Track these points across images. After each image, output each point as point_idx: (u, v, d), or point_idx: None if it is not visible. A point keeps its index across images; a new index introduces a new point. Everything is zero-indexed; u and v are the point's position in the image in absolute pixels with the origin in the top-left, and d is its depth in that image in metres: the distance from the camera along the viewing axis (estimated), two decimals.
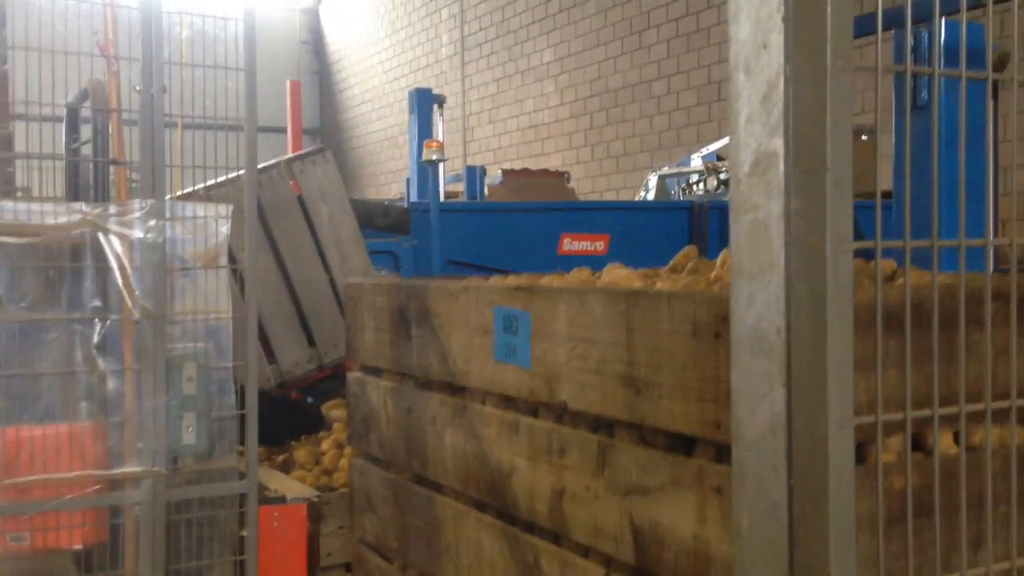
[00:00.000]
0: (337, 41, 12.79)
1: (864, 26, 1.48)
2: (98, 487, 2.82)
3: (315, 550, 3.14)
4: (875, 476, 1.19)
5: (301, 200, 4.46)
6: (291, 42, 12.29)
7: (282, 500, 3.08)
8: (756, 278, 1.10)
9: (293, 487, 3.20)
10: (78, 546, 2.83)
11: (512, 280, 2.27)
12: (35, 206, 2.84)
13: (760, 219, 1.09)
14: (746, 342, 1.14)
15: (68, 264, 2.86)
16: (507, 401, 2.06)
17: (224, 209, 3.02)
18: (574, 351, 1.75)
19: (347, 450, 3.62)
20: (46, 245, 2.86)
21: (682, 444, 1.56)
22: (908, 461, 1.16)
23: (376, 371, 2.76)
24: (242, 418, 2.97)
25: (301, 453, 3.76)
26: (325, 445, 3.85)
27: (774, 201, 1.06)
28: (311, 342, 4.46)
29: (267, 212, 4.22)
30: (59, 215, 2.83)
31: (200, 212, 2.99)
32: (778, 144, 1.04)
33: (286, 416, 4.02)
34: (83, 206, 2.87)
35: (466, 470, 2.20)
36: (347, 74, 12.53)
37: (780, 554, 1.13)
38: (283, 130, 8.67)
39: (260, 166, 3.66)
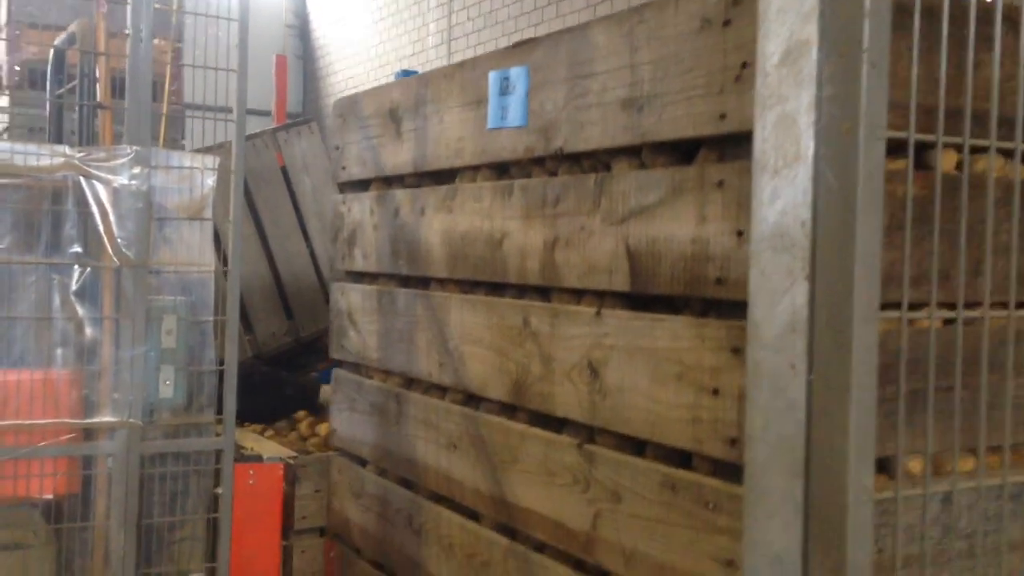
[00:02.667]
0: (323, 26, 12.71)
1: None
2: (72, 436, 2.75)
3: (290, 512, 3.09)
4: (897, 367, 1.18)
5: (284, 171, 4.42)
6: (276, 25, 12.19)
7: (258, 459, 3.03)
8: (781, 172, 1.10)
9: (269, 447, 3.15)
10: (49, 495, 2.75)
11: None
12: (18, 146, 2.78)
13: (788, 112, 1.08)
14: (767, 240, 1.13)
15: (49, 207, 2.79)
16: (500, 170, 2.11)
17: (211, 160, 2.97)
18: (573, 91, 1.80)
19: (322, 427, 3.57)
20: (27, 187, 2.79)
21: (684, 154, 1.60)
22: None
23: (363, 184, 2.80)
24: (220, 374, 2.92)
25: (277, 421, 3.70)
26: (300, 414, 3.80)
27: (804, 91, 1.06)
28: (289, 314, 4.41)
29: (249, 181, 4.16)
30: (42, 157, 2.77)
31: (186, 162, 2.94)
32: (811, 31, 1.04)
33: (278, 393, 3.95)
34: (67, 149, 2.81)
35: (452, 254, 2.25)
36: (332, 59, 12.45)
37: (795, 453, 1.12)
38: (267, 113, 8.58)
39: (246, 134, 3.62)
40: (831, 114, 1.04)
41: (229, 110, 2.92)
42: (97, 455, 2.80)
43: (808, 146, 1.05)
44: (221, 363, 2.91)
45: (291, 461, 3.09)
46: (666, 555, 1.56)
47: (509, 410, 2.13)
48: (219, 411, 2.91)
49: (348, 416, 2.97)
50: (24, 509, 2.81)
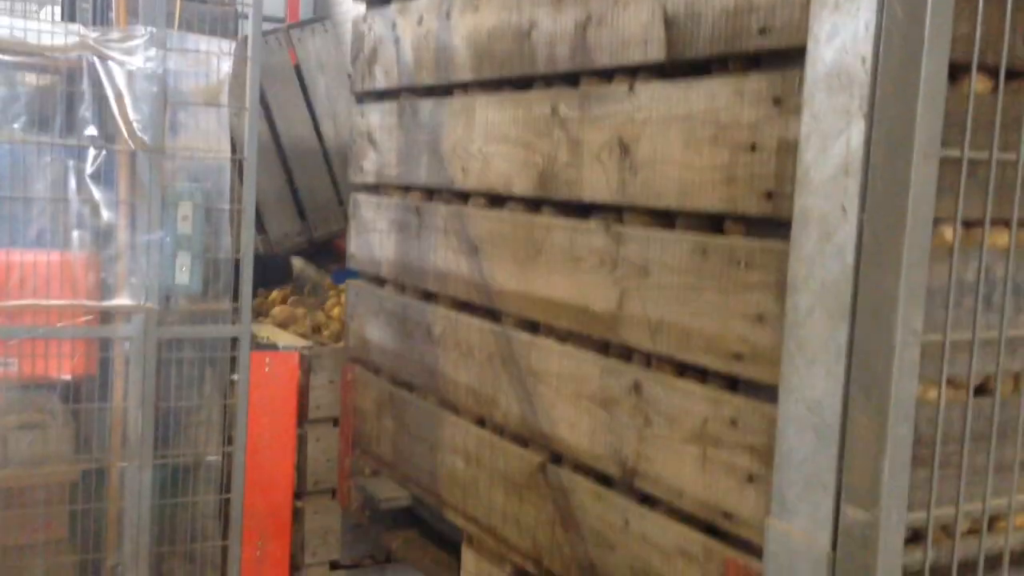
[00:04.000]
0: None
1: None
2: (89, 318, 2.76)
3: (304, 401, 3.11)
4: None
5: (298, 70, 4.34)
6: None
7: (274, 347, 3.04)
8: (841, 7, 1.06)
9: (285, 337, 3.16)
10: (67, 376, 2.77)
11: None
12: (32, 24, 2.72)
13: None
14: (822, 81, 1.10)
15: (64, 88, 2.75)
16: None
17: (227, 45, 2.92)
18: None
19: (335, 311, 3.57)
20: (42, 66, 2.75)
21: None
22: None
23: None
24: (237, 262, 2.91)
25: (294, 311, 3.70)
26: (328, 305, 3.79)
27: None
28: (302, 215, 4.38)
29: (262, 79, 4.10)
30: (56, 35, 2.71)
31: (202, 46, 2.88)
32: None
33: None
34: (81, 28, 2.75)
35: (478, 54, 2.22)
36: None
37: (841, 298, 1.11)
38: (279, 20, 8.43)
39: None
40: None
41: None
42: (114, 338, 2.81)
43: None
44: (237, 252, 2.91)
45: (306, 352, 3.10)
46: (694, 320, 1.55)
47: (534, 206, 2.10)
48: (235, 299, 2.91)
49: (366, 238, 2.96)
50: (43, 391, 2.83)
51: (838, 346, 1.12)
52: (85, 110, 2.77)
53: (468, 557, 2.33)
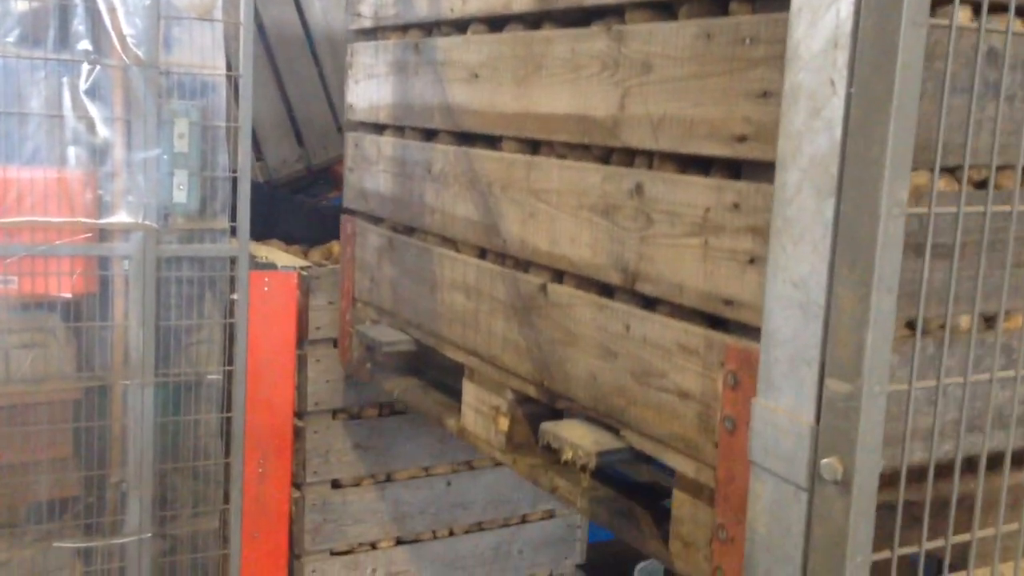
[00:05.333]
0: None
1: None
2: (88, 236, 2.77)
3: (304, 322, 3.13)
4: None
5: None
6: None
7: (273, 267, 3.05)
8: None
9: (283, 257, 3.17)
10: (67, 295, 2.79)
11: None
12: None
13: None
14: None
15: (57, 0, 2.72)
16: None
17: None
18: None
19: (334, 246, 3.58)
20: None
21: None
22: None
23: None
24: (234, 180, 2.90)
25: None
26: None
27: None
28: (300, 141, 4.36)
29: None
30: None
31: None
32: None
33: (320, 222, 3.90)
34: None
35: None
36: None
37: (829, 171, 1.11)
38: None
39: None
40: None
41: None
42: (113, 256, 2.82)
43: None
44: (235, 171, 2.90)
45: (305, 272, 3.11)
46: (697, 110, 1.53)
47: (534, 24, 2.07)
48: (233, 218, 2.90)
49: (365, 85, 2.95)
50: (43, 310, 2.85)
51: (825, 222, 1.12)
52: (78, 24, 2.74)
53: (468, 389, 2.35)
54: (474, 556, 3.51)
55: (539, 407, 2.11)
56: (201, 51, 2.87)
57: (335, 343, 3.20)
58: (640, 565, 3.63)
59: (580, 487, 1.93)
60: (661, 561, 1.71)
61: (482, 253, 2.35)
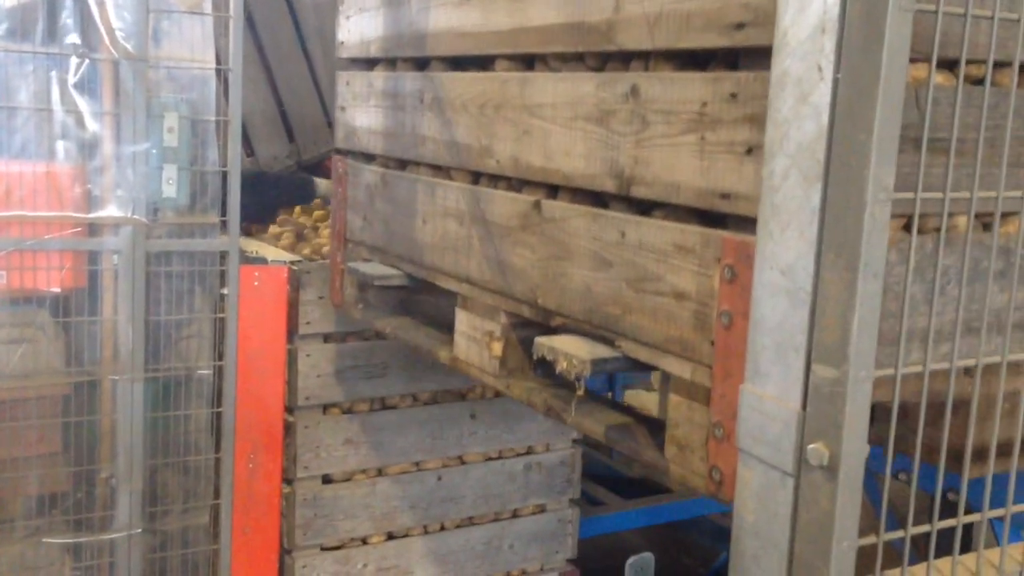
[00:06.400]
0: None
1: None
2: (77, 230, 2.76)
3: (294, 317, 3.13)
4: None
5: None
6: None
7: (263, 261, 3.05)
8: None
9: (273, 251, 3.17)
10: (56, 289, 2.78)
11: None
12: None
13: None
14: None
15: None
16: None
17: None
18: None
19: (326, 233, 3.58)
20: None
21: None
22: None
23: None
24: (224, 175, 2.90)
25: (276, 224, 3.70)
26: (303, 219, 3.79)
27: None
28: (291, 137, 4.36)
29: None
30: None
31: None
32: None
33: (274, 188, 3.92)
34: None
35: None
36: None
37: (816, 157, 1.11)
38: None
39: None
40: None
41: None
42: (102, 251, 2.81)
43: None
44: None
45: (295, 267, 3.11)
46: (695, 1, 1.51)
47: None
48: (223, 213, 2.90)
49: (356, 20, 2.90)
50: (32, 305, 2.84)
51: (812, 208, 1.12)
52: (67, 17, 2.73)
53: (461, 318, 2.32)
54: (465, 551, 3.51)
55: (533, 330, 2.06)
56: (191, 45, 2.87)
57: (326, 338, 3.20)
58: (631, 559, 3.64)
59: (574, 398, 1.89)
60: (657, 470, 1.68)
61: (475, 178, 2.30)
